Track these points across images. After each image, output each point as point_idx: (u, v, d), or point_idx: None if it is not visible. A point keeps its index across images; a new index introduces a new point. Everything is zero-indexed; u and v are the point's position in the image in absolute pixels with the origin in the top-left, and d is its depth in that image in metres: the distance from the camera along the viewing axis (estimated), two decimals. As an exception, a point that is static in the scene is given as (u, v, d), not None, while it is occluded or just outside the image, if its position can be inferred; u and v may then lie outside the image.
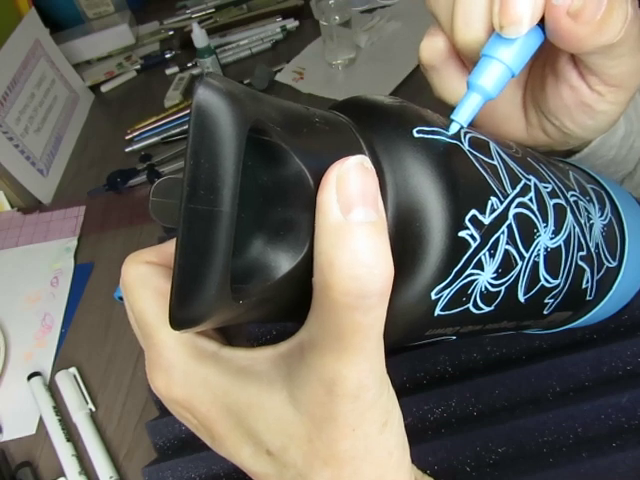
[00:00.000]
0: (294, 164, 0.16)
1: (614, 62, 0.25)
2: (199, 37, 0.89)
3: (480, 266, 0.20)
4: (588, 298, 0.29)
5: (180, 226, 0.15)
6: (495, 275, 0.21)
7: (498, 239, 0.21)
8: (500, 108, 0.32)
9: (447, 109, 0.27)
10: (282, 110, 0.17)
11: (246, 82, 0.93)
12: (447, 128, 0.21)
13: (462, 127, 0.22)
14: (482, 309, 0.22)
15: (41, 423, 0.56)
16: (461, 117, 0.22)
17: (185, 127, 0.88)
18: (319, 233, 0.16)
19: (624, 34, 0.23)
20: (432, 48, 0.26)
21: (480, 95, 0.22)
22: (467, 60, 0.26)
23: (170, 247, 0.22)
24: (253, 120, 0.15)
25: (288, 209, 0.17)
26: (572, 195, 0.27)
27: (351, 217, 0.16)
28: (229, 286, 0.15)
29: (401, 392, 0.20)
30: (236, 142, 0.14)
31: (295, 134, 0.16)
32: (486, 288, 0.21)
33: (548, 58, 0.29)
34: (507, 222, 0.21)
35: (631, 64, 0.25)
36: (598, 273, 0.28)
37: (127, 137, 0.91)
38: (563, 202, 0.26)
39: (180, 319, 0.15)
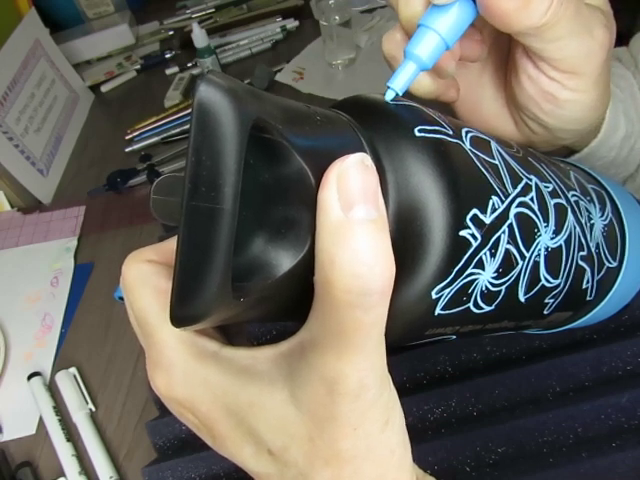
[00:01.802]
0: (295, 162, 0.16)
1: (554, 45, 0.25)
2: (199, 37, 0.89)
3: (481, 265, 0.20)
4: (588, 298, 0.29)
5: (181, 223, 0.14)
6: (496, 275, 0.21)
7: (499, 238, 0.21)
8: (486, 108, 0.33)
9: (449, 108, 0.27)
10: (283, 108, 0.17)
11: (246, 82, 0.94)
12: (384, 95, 0.22)
13: (397, 94, 0.22)
14: (482, 309, 0.22)
15: (41, 423, 0.56)
16: (397, 85, 0.23)
17: (185, 127, 0.88)
18: (320, 231, 0.16)
19: (552, 15, 0.23)
20: (391, 40, 0.28)
21: (415, 64, 0.23)
22: None
23: (171, 245, 0.22)
24: (255, 118, 0.15)
25: (289, 207, 0.17)
26: (573, 195, 0.27)
27: (352, 215, 0.16)
28: (230, 284, 0.15)
29: (401, 392, 0.20)
30: (238, 139, 0.14)
31: (296, 132, 0.16)
32: (487, 287, 0.21)
33: (511, 53, 0.30)
34: (508, 221, 0.21)
35: (575, 48, 0.26)
36: (598, 273, 0.28)
37: (127, 137, 0.91)
38: (564, 202, 0.26)
39: (181, 316, 0.15)
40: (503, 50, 0.32)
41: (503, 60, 0.32)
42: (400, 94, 0.23)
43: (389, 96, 0.22)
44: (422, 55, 0.23)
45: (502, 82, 0.32)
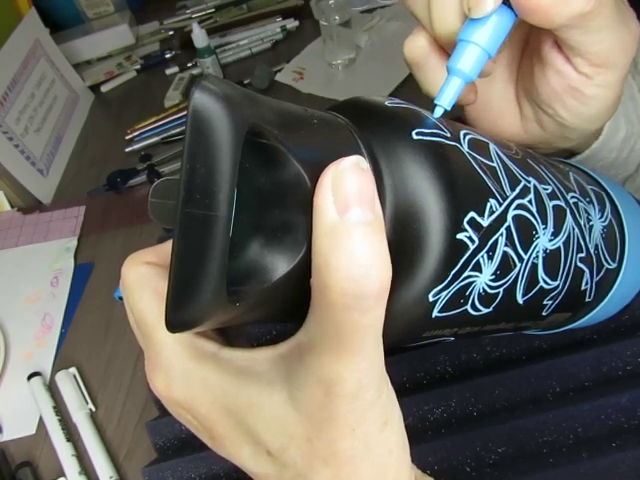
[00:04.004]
0: (292, 166, 0.16)
1: (595, 37, 0.25)
2: (199, 37, 0.90)
3: (478, 268, 0.20)
4: (587, 299, 0.29)
5: (176, 230, 0.15)
6: (493, 277, 0.21)
7: (496, 241, 0.21)
8: (494, 104, 0.32)
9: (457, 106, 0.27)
10: (280, 112, 0.17)
11: (246, 82, 0.94)
12: (432, 113, 0.22)
13: (446, 110, 0.23)
14: (480, 311, 0.22)
15: (41, 423, 0.56)
16: (444, 101, 0.23)
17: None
18: (316, 234, 0.16)
19: (596, 3, 0.23)
20: (414, 46, 0.27)
21: (460, 78, 0.23)
22: (450, 51, 0.27)
23: (170, 247, 0.22)
24: (250, 123, 0.15)
25: (286, 211, 0.17)
26: (572, 197, 0.27)
27: (348, 218, 0.16)
28: (225, 289, 0.15)
29: (401, 392, 0.20)
30: (232, 146, 0.14)
31: (293, 136, 0.16)
32: (484, 290, 0.21)
33: (534, 47, 0.29)
34: (506, 224, 0.21)
35: (613, 39, 0.26)
36: (597, 274, 0.28)
37: (127, 137, 0.91)
38: (563, 204, 0.26)
39: (175, 322, 0.15)
40: (518, 45, 0.31)
41: (516, 55, 0.32)
42: (449, 109, 0.23)
43: (437, 113, 0.23)
44: (465, 69, 0.23)
45: (513, 77, 0.32)
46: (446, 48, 0.27)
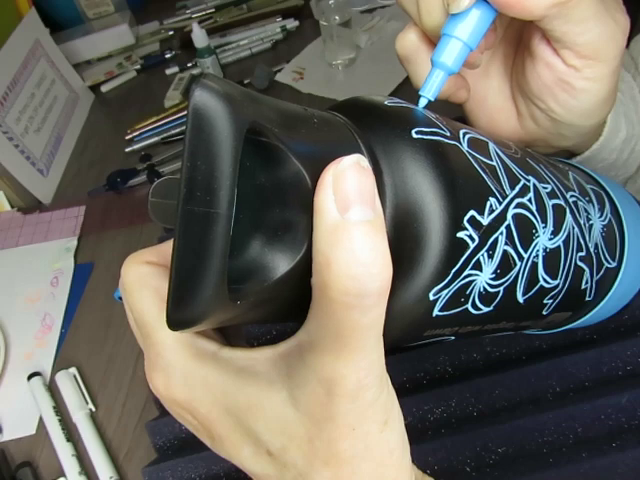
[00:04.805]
0: (292, 165, 0.16)
1: (579, 28, 0.26)
2: (199, 37, 0.90)
3: (478, 267, 0.20)
4: (587, 298, 0.29)
5: (177, 228, 0.15)
6: (494, 276, 0.21)
7: (497, 240, 0.21)
8: (491, 101, 0.33)
9: (445, 110, 0.27)
10: (280, 111, 0.17)
11: (246, 82, 0.94)
12: (417, 104, 0.23)
13: (430, 101, 0.24)
14: (481, 310, 0.22)
15: (41, 423, 0.56)
16: (428, 92, 0.24)
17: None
18: (316, 233, 0.16)
19: None
20: (405, 41, 0.29)
21: (443, 71, 0.25)
22: None
23: (170, 247, 0.22)
24: (250, 122, 0.15)
25: (286, 210, 0.17)
26: (571, 196, 0.27)
27: (348, 216, 0.16)
28: (226, 287, 0.15)
29: (401, 392, 0.20)
30: (233, 144, 0.14)
31: (293, 135, 0.16)
32: (485, 289, 0.21)
33: (526, 42, 0.30)
34: (506, 223, 0.21)
35: (598, 30, 0.26)
36: (597, 273, 0.28)
37: (127, 137, 0.91)
38: (562, 203, 0.26)
39: (176, 320, 0.15)
40: (512, 41, 0.32)
41: (511, 51, 0.32)
42: (432, 100, 0.24)
43: (422, 104, 0.24)
44: (448, 62, 0.24)
45: (509, 73, 0.32)
46: (435, 42, 0.27)
